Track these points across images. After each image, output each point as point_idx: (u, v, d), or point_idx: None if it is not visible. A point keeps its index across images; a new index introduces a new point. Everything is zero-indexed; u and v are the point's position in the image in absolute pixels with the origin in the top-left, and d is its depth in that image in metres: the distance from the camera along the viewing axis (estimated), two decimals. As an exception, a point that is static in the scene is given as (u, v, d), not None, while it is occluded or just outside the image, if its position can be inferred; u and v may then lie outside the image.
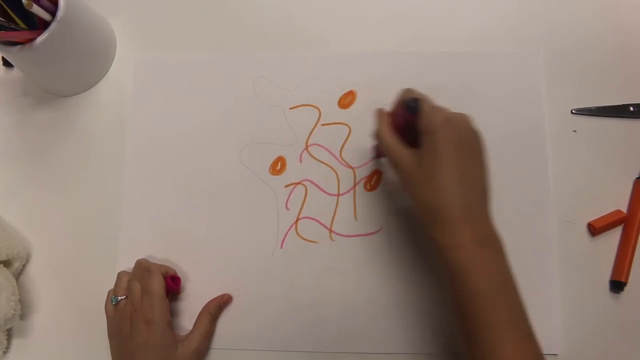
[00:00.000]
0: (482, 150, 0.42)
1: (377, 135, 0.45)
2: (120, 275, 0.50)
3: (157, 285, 0.47)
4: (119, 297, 0.48)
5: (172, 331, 0.47)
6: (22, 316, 0.52)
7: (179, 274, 0.52)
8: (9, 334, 0.53)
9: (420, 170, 0.40)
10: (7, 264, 0.52)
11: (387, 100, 0.54)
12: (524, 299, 0.39)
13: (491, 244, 0.40)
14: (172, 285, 0.50)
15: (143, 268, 0.49)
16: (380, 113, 0.46)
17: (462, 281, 0.38)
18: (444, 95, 0.53)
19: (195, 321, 0.50)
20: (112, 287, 0.50)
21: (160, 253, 0.53)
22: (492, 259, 0.39)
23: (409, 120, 0.42)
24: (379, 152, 0.51)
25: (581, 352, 0.49)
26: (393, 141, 0.43)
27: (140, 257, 0.52)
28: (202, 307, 0.51)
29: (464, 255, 0.38)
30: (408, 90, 0.44)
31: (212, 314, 0.50)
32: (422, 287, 0.50)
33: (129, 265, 0.52)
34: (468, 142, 0.41)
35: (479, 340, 0.38)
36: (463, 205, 0.39)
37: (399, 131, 0.44)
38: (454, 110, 0.42)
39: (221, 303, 0.51)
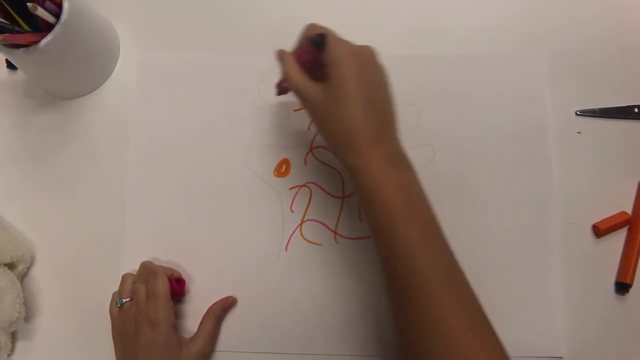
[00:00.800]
0: (385, 78, 0.43)
1: (285, 75, 0.44)
2: (124, 277, 0.50)
3: (162, 287, 0.47)
4: (124, 299, 0.48)
5: (176, 333, 0.47)
6: (27, 318, 0.52)
7: (183, 276, 0.52)
8: (14, 337, 0.53)
9: (328, 101, 0.41)
10: (11, 266, 0.52)
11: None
12: (435, 215, 0.41)
13: (400, 163, 0.41)
14: (177, 288, 0.50)
15: (148, 270, 0.49)
16: (282, 53, 0.46)
17: (375, 199, 0.39)
18: (448, 97, 0.54)
19: (200, 323, 0.50)
20: (117, 289, 0.50)
21: (164, 255, 0.53)
22: (402, 176, 0.41)
23: (315, 55, 0.43)
24: (283, 88, 0.51)
25: (586, 355, 0.48)
26: (300, 78, 0.43)
27: (144, 259, 0.52)
28: (206, 309, 0.51)
29: (375, 174, 0.40)
30: (312, 26, 0.45)
31: (216, 316, 0.50)
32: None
33: (132, 267, 0.52)
34: (372, 71, 0.42)
35: (395, 257, 0.39)
36: (370, 128, 0.40)
37: (305, 68, 0.44)
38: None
39: (225, 305, 0.51)
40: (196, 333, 0.49)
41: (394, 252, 0.39)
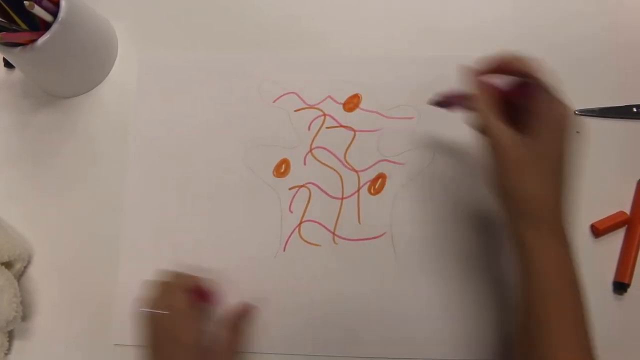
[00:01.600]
0: (577, 147, 0.40)
1: (479, 109, 0.40)
2: (152, 285, 0.47)
3: (180, 303, 0.45)
4: (155, 310, 0.45)
5: (199, 349, 0.44)
6: (24, 318, 0.52)
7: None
8: (11, 336, 0.53)
9: (521, 157, 0.38)
10: (8, 265, 0.52)
11: (392, 104, 0.54)
12: (586, 302, 0.40)
13: (570, 245, 0.39)
14: (198, 299, 0.47)
15: (165, 288, 0.46)
16: (480, 83, 0.42)
17: (538, 280, 0.38)
18: (448, 97, 0.54)
19: (223, 334, 0.48)
20: (148, 295, 0.47)
21: (163, 255, 0.53)
22: (569, 262, 0.39)
23: (518, 96, 0.39)
24: (449, 103, 0.47)
25: (584, 354, 0.49)
26: (497, 119, 0.39)
27: (142, 259, 0.52)
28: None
29: (546, 256, 0.38)
30: (518, 60, 0.41)
31: (239, 325, 0.49)
32: (426, 292, 0.50)
33: (131, 266, 0.52)
34: (572, 139, 0.39)
35: (540, 341, 0.38)
36: (555, 204, 0.38)
37: (497, 103, 0.40)
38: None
39: (243, 313, 0.49)
40: (221, 346, 0.47)
41: (536, 339, 0.38)
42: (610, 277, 0.50)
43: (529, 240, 0.39)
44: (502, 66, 0.42)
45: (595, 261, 0.50)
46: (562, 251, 0.39)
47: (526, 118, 0.39)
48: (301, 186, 0.53)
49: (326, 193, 0.53)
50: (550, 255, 0.38)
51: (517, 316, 0.41)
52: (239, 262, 0.52)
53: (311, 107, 0.55)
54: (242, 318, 0.50)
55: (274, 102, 0.55)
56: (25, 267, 0.54)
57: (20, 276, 0.54)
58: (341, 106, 0.55)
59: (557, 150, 0.39)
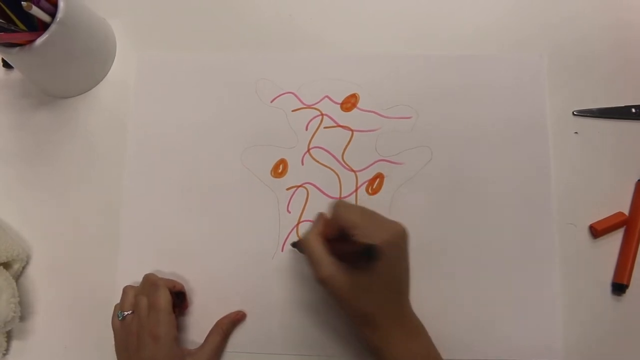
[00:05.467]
0: (407, 250, 0.44)
1: (306, 243, 0.44)
2: (126, 289, 0.50)
3: (163, 300, 0.46)
4: (125, 312, 0.47)
5: (179, 346, 0.47)
6: (22, 318, 0.52)
7: (179, 279, 0.52)
8: (9, 336, 0.53)
9: (354, 286, 0.42)
10: (6, 265, 0.52)
11: (392, 104, 0.54)
12: None
13: (417, 333, 0.44)
14: (178, 301, 0.50)
15: (149, 283, 0.48)
16: (317, 218, 0.46)
17: None
18: (445, 97, 0.54)
19: (207, 336, 0.50)
20: (118, 302, 0.49)
21: (160, 255, 0.53)
22: (421, 346, 0.44)
23: (347, 246, 0.42)
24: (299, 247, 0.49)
25: (583, 356, 0.49)
26: (323, 254, 0.43)
27: (139, 259, 0.52)
28: (200, 311, 0.51)
29: (397, 351, 0.42)
30: (344, 212, 0.43)
31: (224, 330, 0.50)
32: (423, 291, 0.50)
33: (128, 266, 0.52)
34: (403, 254, 0.43)
35: None
36: (393, 310, 0.43)
37: (334, 249, 0.43)
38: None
39: (235, 320, 0.51)
40: (202, 345, 0.49)
41: None
42: (608, 278, 0.50)
43: (378, 345, 0.43)
44: (331, 224, 0.44)
45: (594, 262, 0.50)
46: (410, 342, 0.43)
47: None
48: (299, 186, 0.53)
49: (324, 193, 0.53)
50: (400, 350, 0.42)
51: None
52: (237, 262, 0.52)
53: (309, 107, 0.55)
54: (233, 324, 0.51)
55: (271, 102, 0.55)
56: (24, 268, 0.54)
57: (18, 276, 0.54)
58: (339, 106, 0.55)
59: (385, 275, 0.42)
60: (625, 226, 0.51)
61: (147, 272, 0.51)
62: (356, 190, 0.53)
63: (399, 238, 0.43)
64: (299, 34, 0.57)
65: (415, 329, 0.44)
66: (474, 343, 0.49)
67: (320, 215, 0.46)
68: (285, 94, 0.55)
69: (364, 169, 0.53)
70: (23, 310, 0.52)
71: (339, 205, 0.44)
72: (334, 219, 0.44)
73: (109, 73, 0.58)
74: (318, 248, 0.43)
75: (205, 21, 0.58)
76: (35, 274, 0.54)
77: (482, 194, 0.52)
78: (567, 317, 0.49)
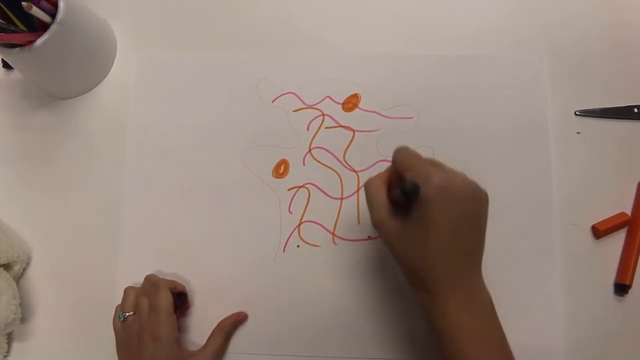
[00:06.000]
0: (480, 210, 0.40)
1: (367, 187, 0.42)
2: (127, 290, 0.49)
3: (165, 301, 0.46)
4: (127, 313, 0.47)
5: (180, 347, 0.47)
6: (23, 320, 0.52)
7: (180, 280, 0.52)
8: (10, 338, 0.53)
9: (407, 237, 0.39)
10: (7, 267, 0.52)
11: (393, 104, 0.54)
12: (512, 356, 0.39)
13: (478, 306, 0.39)
14: (179, 302, 0.50)
15: (151, 284, 0.48)
16: (387, 168, 0.44)
17: (448, 346, 0.38)
18: (447, 98, 0.54)
19: (208, 338, 0.50)
20: (119, 303, 0.49)
21: (161, 256, 0.53)
22: (478, 321, 0.39)
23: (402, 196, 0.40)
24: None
25: (584, 356, 0.48)
26: (381, 198, 0.41)
27: (140, 260, 0.52)
28: (204, 313, 0.51)
29: (450, 321, 0.38)
30: (402, 154, 0.41)
31: (226, 332, 0.50)
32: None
33: (129, 267, 0.52)
34: (464, 207, 0.39)
35: None
36: (452, 268, 0.38)
37: (391, 192, 0.42)
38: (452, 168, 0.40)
39: (237, 322, 0.50)
40: (203, 347, 0.49)
41: None
42: (611, 278, 0.50)
43: (430, 310, 0.39)
44: (396, 173, 0.42)
45: (596, 262, 0.50)
46: (466, 315, 0.38)
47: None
48: (300, 187, 0.53)
49: (325, 193, 0.53)
50: (453, 321, 0.38)
51: None
52: (238, 263, 0.52)
53: (310, 107, 0.55)
54: (235, 326, 0.51)
55: (272, 102, 0.55)
56: (24, 269, 0.54)
57: (19, 278, 0.54)
58: (340, 106, 0.55)
59: (440, 226, 0.38)
60: (627, 226, 0.51)
61: (148, 273, 0.51)
62: (358, 190, 0.53)
63: (463, 190, 0.39)
64: (299, 34, 0.57)
65: (479, 302, 0.39)
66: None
67: (388, 167, 0.44)
68: (286, 94, 0.55)
69: (366, 169, 0.53)
70: (24, 312, 0.52)
71: (399, 149, 0.42)
72: (394, 164, 0.41)
73: (109, 74, 0.58)
74: (375, 192, 0.41)
75: (205, 21, 0.58)
76: (35, 276, 0.54)
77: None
78: (569, 318, 0.49)
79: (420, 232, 0.38)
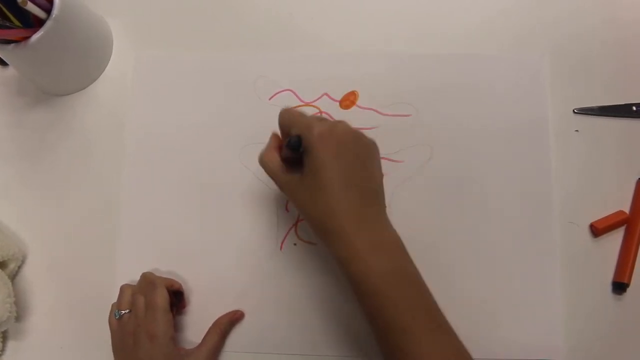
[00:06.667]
0: (368, 153, 0.42)
1: (260, 159, 0.44)
2: (123, 288, 0.49)
3: (161, 299, 0.46)
4: (123, 311, 0.47)
5: (176, 346, 0.47)
6: (18, 318, 0.52)
7: (177, 278, 0.51)
8: (5, 336, 0.52)
9: (303, 189, 0.40)
10: (2, 265, 0.52)
11: (391, 102, 0.54)
12: (429, 290, 0.40)
13: (387, 245, 0.40)
14: (176, 300, 0.50)
15: (147, 281, 0.48)
16: (272, 136, 0.45)
17: (361, 287, 0.39)
18: (446, 96, 0.54)
19: (205, 336, 0.49)
20: (115, 301, 0.49)
21: (158, 254, 0.53)
22: (387, 260, 0.39)
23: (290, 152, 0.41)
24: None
25: (583, 355, 0.48)
26: (274, 163, 0.43)
27: (137, 258, 0.52)
28: (200, 310, 0.51)
29: (358, 263, 0.38)
30: (284, 114, 0.43)
31: (222, 330, 0.49)
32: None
33: (126, 265, 0.52)
34: (348, 149, 0.40)
35: (390, 341, 0.38)
36: (351, 214, 0.39)
37: (282, 155, 0.43)
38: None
39: (233, 320, 0.50)
40: (199, 345, 0.49)
41: (386, 340, 0.38)
42: (609, 277, 0.50)
43: (340, 256, 0.39)
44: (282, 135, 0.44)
45: (595, 261, 0.50)
46: (374, 254, 0.39)
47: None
48: (297, 185, 0.53)
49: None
50: (361, 262, 0.38)
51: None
52: (235, 261, 0.52)
53: (307, 104, 0.55)
54: (231, 324, 0.50)
55: (269, 99, 0.55)
56: (20, 267, 0.54)
57: (14, 276, 0.53)
58: (338, 103, 0.54)
59: (329, 169, 0.39)
60: (626, 225, 0.50)
61: (145, 271, 0.50)
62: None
63: (344, 134, 0.40)
64: (298, 32, 0.57)
65: (387, 242, 0.40)
66: (475, 342, 0.49)
67: (273, 133, 0.45)
68: (284, 92, 0.55)
69: (363, 167, 0.53)
70: (19, 311, 0.52)
71: (282, 111, 0.43)
72: (280, 127, 0.43)
73: (106, 70, 0.58)
74: (269, 161, 0.43)
75: (203, 19, 0.58)
76: (31, 274, 0.54)
77: (483, 193, 0.52)
78: (567, 316, 0.49)
79: (314, 181, 0.39)
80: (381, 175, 0.42)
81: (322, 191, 0.39)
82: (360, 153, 0.41)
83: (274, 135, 0.45)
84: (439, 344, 0.38)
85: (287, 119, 0.42)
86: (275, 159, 0.43)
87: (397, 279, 0.39)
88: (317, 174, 0.39)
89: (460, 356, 0.39)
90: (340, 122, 0.41)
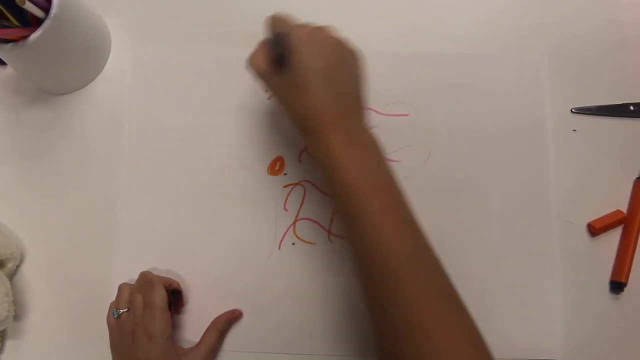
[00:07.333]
0: (348, 58, 0.43)
1: (247, 61, 0.45)
2: (121, 287, 0.49)
3: (159, 298, 0.46)
4: (121, 310, 0.47)
5: (174, 345, 0.47)
6: (16, 317, 0.52)
7: (176, 278, 0.51)
8: (3, 336, 0.52)
9: (287, 85, 0.42)
10: (0, 264, 0.52)
11: (389, 101, 0.54)
12: (402, 192, 0.41)
13: (363, 142, 0.41)
14: (173, 299, 0.50)
15: (145, 280, 0.48)
16: (261, 41, 0.46)
17: (336, 179, 0.39)
18: (444, 95, 0.54)
19: (203, 335, 0.49)
20: (114, 300, 0.49)
21: (156, 253, 0.53)
22: (364, 156, 0.40)
23: (276, 50, 0.43)
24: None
25: (581, 354, 0.48)
26: (260, 64, 0.44)
27: (135, 258, 0.52)
28: (196, 309, 0.51)
29: (335, 154, 0.40)
30: (273, 20, 0.44)
31: (220, 329, 0.50)
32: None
33: (124, 265, 0.52)
34: (330, 52, 0.42)
35: (361, 234, 0.38)
36: (331, 109, 0.41)
37: (268, 57, 0.44)
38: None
39: (231, 319, 0.50)
40: (198, 344, 0.49)
41: (358, 229, 0.39)
42: (606, 276, 0.50)
43: (318, 147, 0.41)
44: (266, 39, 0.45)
45: (592, 260, 0.50)
46: (352, 148, 0.40)
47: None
48: (296, 184, 0.53)
49: (321, 191, 0.53)
50: (338, 153, 0.40)
51: (341, 222, 0.42)
52: (233, 260, 0.52)
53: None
54: (229, 323, 0.50)
55: (268, 98, 0.55)
56: (18, 266, 0.54)
57: (12, 275, 0.53)
58: (336, 103, 0.54)
59: (312, 68, 0.40)
60: (623, 224, 0.51)
61: (143, 270, 0.50)
62: (354, 188, 0.52)
63: (328, 37, 0.42)
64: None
65: (364, 141, 0.41)
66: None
67: (262, 40, 0.46)
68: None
69: (362, 166, 0.53)
70: (17, 310, 0.52)
71: (271, 16, 0.45)
72: (266, 30, 0.44)
73: (104, 69, 0.58)
74: (256, 61, 0.44)
75: (201, 17, 0.58)
76: (29, 273, 0.54)
77: (481, 192, 0.52)
78: (565, 316, 0.49)
79: (298, 78, 0.41)
80: (362, 84, 0.44)
81: (303, 89, 0.41)
82: (341, 58, 0.42)
83: (263, 40, 0.46)
84: (403, 236, 0.38)
85: (275, 22, 0.44)
86: (261, 60, 0.44)
87: (370, 172, 0.40)
88: (299, 73, 0.41)
89: (422, 246, 0.39)
90: (325, 26, 0.43)
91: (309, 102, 0.41)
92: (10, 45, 0.48)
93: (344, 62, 0.43)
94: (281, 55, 0.42)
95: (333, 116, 0.41)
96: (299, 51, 0.41)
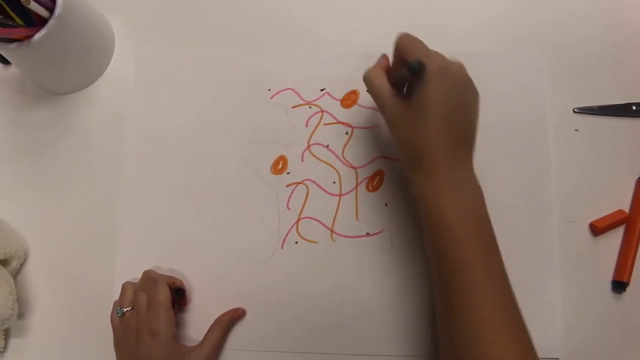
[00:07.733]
0: (473, 99, 0.42)
1: (367, 76, 0.44)
2: (125, 286, 0.49)
3: (163, 296, 0.46)
4: (125, 309, 0.47)
5: (177, 343, 0.47)
6: (20, 315, 0.52)
7: (179, 276, 0.52)
8: (7, 334, 0.52)
9: (407, 115, 0.41)
10: (4, 262, 0.52)
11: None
12: (498, 246, 0.41)
13: (468, 188, 0.41)
14: (177, 298, 0.50)
15: (149, 279, 0.48)
16: (381, 56, 0.46)
17: (438, 224, 0.40)
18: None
19: (206, 333, 0.50)
20: (117, 298, 0.49)
21: (160, 252, 0.53)
22: (469, 203, 0.40)
23: (407, 74, 0.41)
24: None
25: (583, 354, 0.48)
26: (382, 83, 0.43)
27: (137, 257, 0.52)
28: (201, 309, 0.51)
29: (441, 198, 0.40)
30: (405, 40, 0.43)
31: (224, 328, 0.50)
32: (424, 289, 0.50)
33: (126, 264, 0.52)
34: (460, 90, 0.41)
35: (452, 286, 0.39)
36: (447, 151, 0.40)
37: (391, 76, 0.44)
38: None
39: (235, 317, 0.50)
40: (201, 342, 0.49)
41: (448, 283, 0.39)
42: (609, 275, 0.50)
43: (423, 187, 0.41)
44: (399, 55, 0.44)
45: (594, 260, 0.50)
46: (458, 194, 0.40)
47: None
48: (299, 183, 0.53)
49: (324, 190, 0.53)
50: (444, 198, 0.40)
51: (431, 270, 0.42)
52: (237, 259, 0.52)
53: (308, 103, 0.55)
54: (233, 321, 0.50)
55: (271, 98, 0.55)
56: (22, 265, 0.54)
57: (16, 274, 0.53)
58: (339, 102, 0.54)
59: (438, 104, 0.40)
60: (625, 224, 0.51)
61: (147, 268, 0.50)
62: (356, 187, 0.53)
63: (459, 74, 0.41)
64: (298, 30, 0.57)
65: (471, 188, 0.41)
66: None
67: (383, 54, 0.46)
68: (285, 90, 0.55)
69: (364, 165, 0.53)
70: (21, 308, 0.52)
71: (402, 34, 0.43)
72: (396, 48, 0.43)
73: (107, 69, 0.58)
74: (376, 78, 0.43)
75: (204, 17, 0.58)
76: (33, 271, 0.54)
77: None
78: (567, 315, 0.49)
79: (422, 110, 0.40)
80: (477, 125, 0.43)
81: (424, 123, 0.40)
82: (467, 97, 0.42)
83: (384, 55, 0.45)
84: (496, 294, 0.39)
85: (407, 44, 0.43)
86: (382, 78, 0.43)
87: (471, 222, 0.40)
88: (425, 105, 0.40)
89: (513, 311, 0.39)
90: (457, 61, 0.42)
91: (427, 138, 0.40)
92: (14, 44, 0.49)
93: (469, 102, 0.42)
94: (409, 80, 0.41)
95: (447, 158, 0.40)
96: (431, 83, 0.40)
